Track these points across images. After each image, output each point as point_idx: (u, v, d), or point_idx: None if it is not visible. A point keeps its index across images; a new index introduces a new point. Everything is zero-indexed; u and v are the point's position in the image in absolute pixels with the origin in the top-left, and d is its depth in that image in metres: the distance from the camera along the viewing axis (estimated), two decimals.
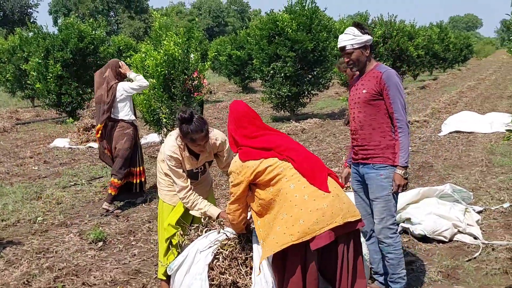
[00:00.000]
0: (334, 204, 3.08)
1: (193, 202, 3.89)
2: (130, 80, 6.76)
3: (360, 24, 3.85)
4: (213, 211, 3.89)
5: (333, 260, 3.16)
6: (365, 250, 3.94)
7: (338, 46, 3.89)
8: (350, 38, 3.79)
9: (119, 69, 6.70)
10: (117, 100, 6.61)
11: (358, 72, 3.95)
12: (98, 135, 6.70)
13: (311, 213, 3.02)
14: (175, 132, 3.96)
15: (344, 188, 3.49)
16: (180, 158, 3.91)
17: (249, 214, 3.65)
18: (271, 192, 3.16)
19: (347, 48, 3.81)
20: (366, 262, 3.89)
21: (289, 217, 3.06)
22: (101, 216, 6.51)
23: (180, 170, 3.92)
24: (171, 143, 3.91)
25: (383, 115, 3.80)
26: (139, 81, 6.67)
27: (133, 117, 6.83)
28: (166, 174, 4.07)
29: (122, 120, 6.69)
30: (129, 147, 6.69)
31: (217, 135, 4.04)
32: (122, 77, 6.76)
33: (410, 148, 3.83)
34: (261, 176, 3.18)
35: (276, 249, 3.08)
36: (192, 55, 9.28)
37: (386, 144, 3.79)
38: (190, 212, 3.97)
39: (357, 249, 3.21)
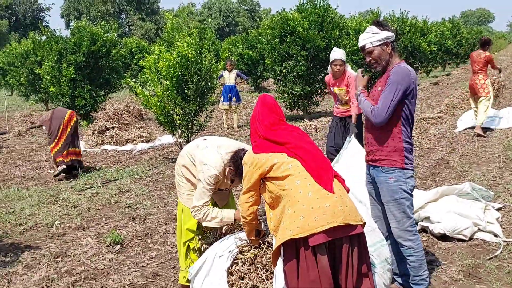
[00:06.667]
0: (336, 205, 3.02)
1: (205, 213, 3.79)
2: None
3: (379, 21, 3.73)
4: (228, 214, 3.83)
5: (338, 262, 3.10)
6: (388, 253, 3.89)
7: (359, 46, 3.80)
8: (369, 36, 3.70)
9: None
10: None
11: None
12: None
13: (312, 210, 2.98)
14: (221, 152, 3.88)
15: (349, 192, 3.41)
16: (221, 180, 3.87)
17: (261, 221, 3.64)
18: (278, 186, 3.15)
19: (367, 47, 3.71)
20: (388, 265, 3.84)
21: (292, 212, 3.04)
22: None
23: (211, 191, 3.84)
24: (219, 163, 3.82)
25: (394, 117, 3.65)
26: None
27: None
28: (187, 179, 4.04)
29: None
30: None
31: None
32: None
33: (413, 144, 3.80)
34: (271, 170, 3.18)
35: (277, 244, 3.08)
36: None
37: (393, 146, 3.69)
38: (203, 224, 3.89)
39: (361, 253, 3.13)
